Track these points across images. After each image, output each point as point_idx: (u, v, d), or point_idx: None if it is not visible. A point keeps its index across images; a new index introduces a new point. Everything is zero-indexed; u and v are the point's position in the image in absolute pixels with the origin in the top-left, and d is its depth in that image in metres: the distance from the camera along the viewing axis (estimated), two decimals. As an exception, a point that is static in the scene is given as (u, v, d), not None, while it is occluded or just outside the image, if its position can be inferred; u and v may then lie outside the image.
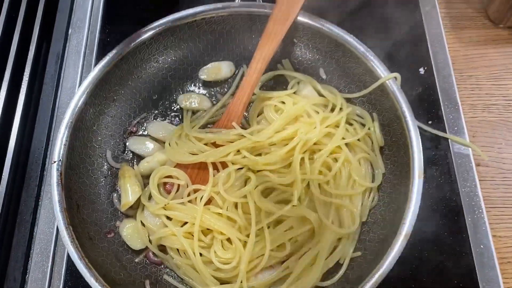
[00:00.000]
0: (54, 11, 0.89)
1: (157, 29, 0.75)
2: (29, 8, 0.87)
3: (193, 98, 0.79)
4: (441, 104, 0.80)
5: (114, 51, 0.73)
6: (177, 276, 0.68)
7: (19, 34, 0.85)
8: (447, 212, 0.71)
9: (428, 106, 0.79)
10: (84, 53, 0.85)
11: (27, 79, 0.81)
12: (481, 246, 0.69)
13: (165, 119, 0.79)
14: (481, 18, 0.89)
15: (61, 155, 0.66)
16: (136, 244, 0.69)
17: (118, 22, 0.88)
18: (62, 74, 0.83)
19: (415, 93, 0.80)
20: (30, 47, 0.84)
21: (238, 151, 0.70)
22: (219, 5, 0.76)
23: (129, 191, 0.70)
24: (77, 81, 0.83)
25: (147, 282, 0.66)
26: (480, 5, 0.90)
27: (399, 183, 0.68)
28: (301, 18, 0.75)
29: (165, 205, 0.69)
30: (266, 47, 0.73)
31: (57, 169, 0.65)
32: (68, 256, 0.70)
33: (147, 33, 0.75)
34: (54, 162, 0.65)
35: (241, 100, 0.72)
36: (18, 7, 0.86)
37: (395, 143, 0.71)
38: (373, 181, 0.71)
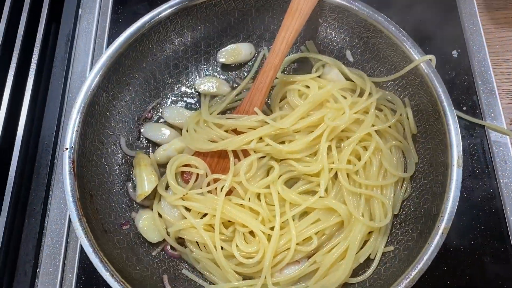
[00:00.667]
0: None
1: (173, 8, 0.70)
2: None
3: (211, 82, 0.75)
4: (476, 89, 0.75)
5: (127, 32, 0.68)
6: (197, 271, 0.65)
7: (27, 15, 0.82)
8: (485, 204, 0.67)
9: (462, 91, 0.75)
10: (95, 34, 0.81)
11: (35, 62, 0.78)
12: (524, 245, 0.65)
13: (181, 105, 0.75)
14: (517, -2, 0.84)
15: (73, 142, 0.62)
16: (153, 237, 0.65)
17: (130, 1, 0.83)
18: (72, 57, 0.79)
19: (448, 77, 0.76)
20: (39, 28, 0.81)
21: (261, 138, 0.66)
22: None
23: (145, 181, 0.66)
24: (88, 64, 0.79)
25: (165, 277, 0.63)
26: (516, -17, 0.85)
27: (434, 173, 0.64)
28: (328, -4, 0.70)
29: (184, 195, 0.65)
30: (291, 27, 0.68)
31: (69, 157, 0.61)
32: (82, 248, 0.67)
33: (163, 13, 0.70)
34: (66, 149, 0.62)
35: (263, 83, 0.68)
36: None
37: (429, 130, 0.66)
38: (405, 171, 0.68)
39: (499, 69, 0.79)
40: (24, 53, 0.79)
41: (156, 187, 0.67)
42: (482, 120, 0.73)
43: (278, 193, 0.65)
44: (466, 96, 0.74)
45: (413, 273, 0.55)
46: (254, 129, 0.66)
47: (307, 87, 0.71)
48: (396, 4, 0.79)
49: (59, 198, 0.70)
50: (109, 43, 0.79)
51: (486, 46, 0.78)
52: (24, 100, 0.75)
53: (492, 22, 0.83)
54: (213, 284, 0.63)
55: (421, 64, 0.66)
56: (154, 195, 0.67)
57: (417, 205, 0.65)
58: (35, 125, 0.75)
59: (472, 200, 0.68)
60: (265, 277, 0.61)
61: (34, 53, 0.78)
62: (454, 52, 0.77)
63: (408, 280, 0.55)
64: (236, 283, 0.61)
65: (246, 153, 0.67)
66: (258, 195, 0.65)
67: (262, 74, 0.69)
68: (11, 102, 0.75)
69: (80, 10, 0.83)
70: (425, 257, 0.56)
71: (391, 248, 0.63)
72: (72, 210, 0.59)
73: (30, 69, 0.77)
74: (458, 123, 0.63)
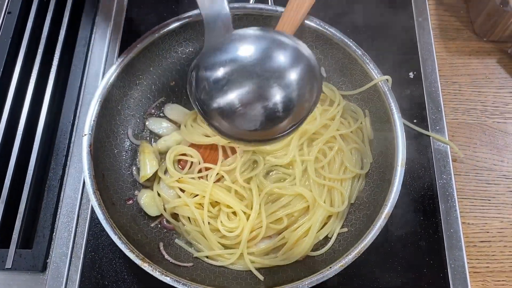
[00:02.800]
0: (83, 1, 0.97)
1: (179, 22, 0.83)
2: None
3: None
4: (426, 105, 0.89)
5: (140, 40, 0.81)
6: (187, 241, 0.78)
7: (50, 20, 0.94)
8: (424, 199, 0.81)
9: (414, 107, 0.89)
10: (109, 39, 0.94)
11: (56, 61, 0.90)
12: (451, 230, 0.80)
13: (180, 103, 0.88)
14: (467, 31, 0.99)
15: (90, 129, 0.75)
16: (152, 211, 0.78)
17: (140, 15, 0.97)
18: (89, 58, 0.92)
19: (403, 94, 0.89)
20: (60, 32, 0.93)
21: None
22: (236, 4, 0.85)
23: (148, 165, 0.80)
24: (102, 64, 0.91)
25: (161, 244, 0.76)
26: (467, 19, 1.00)
27: (384, 171, 0.77)
28: (307, 22, 0.84)
29: (179, 178, 0.78)
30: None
31: (88, 141, 0.74)
32: (91, 218, 0.80)
33: (170, 26, 0.83)
34: (85, 134, 0.74)
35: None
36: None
37: (383, 136, 0.80)
38: (362, 169, 0.81)
39: (447, 90, 0.94)
40: (46, 53, 0.91)
41: (156, 171, 0.80)
42: (429, 131, 0.87)
43: (257, 186, 0.78)
44: (417, 111, 0.89)
45: (360, 246, 0.68)
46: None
47: (287, 95, 0.85)
48: (365, 32, 0.95)
49: (73, 176, 0.82)
50: (121, 47, 0.93)
51: (438, 70, 0.93)
52: (46, 93, 0.87)
53: (445, 51, 0.98)
54: (200, 251, 0.77)
55: (380, 82, 0.80)
56: (154, 177, 0.80)
57: (368, 196, 0.79)
58: (55, 115, 0.87)
59: (415, 196, 0.82)
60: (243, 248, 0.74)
61: (55, 54, 0.90)
62: (411, 73, 0.92)
63: (355, 252, 0.68)
64: (219, 251, 0.75)
65: (233, 148, 0.81)
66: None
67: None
68: (35, 95, 0.87)
69: (97, 17, 0.96)
70: (370, 235, 0.69)
71: (346, 229, 0.77)
72: (88, 185, 0.71)
73: (52, 67, 0.90)
74: (404, 133, 0.77)
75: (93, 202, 0.70)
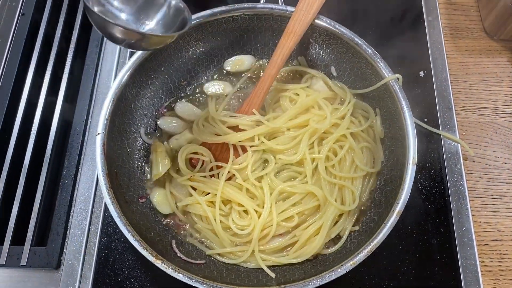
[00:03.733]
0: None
1: (191, 23, 0.85)
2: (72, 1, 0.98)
3: (218, 85, 0.89)
4: (437, 104, 0.90)
5: (152, 41, 0.82)
6: (199, 239, 0.79)
7: (63, 21, 0.95)
8: (436, 198, 0.82)
9: (425, 106, 0.89)
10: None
11: (70, 62, 0.92)
12: (463, 229, 0.80)
13: (191, 102, 0.89)
14: (477, 30, 0.99)
15: (104, 128, 0.76)
16: (165, 209, 0.79)
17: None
18: (101, 58, 0.93)
19: (414, 93, 0.89)
20: (73, 33, 0.94)
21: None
22: (246, 4, 0.86)
23: (160, 164, 0.81)
24: (114, 64, 0.93)
25: (173, 242, 0.76)
26: (477, 18, 1.00)
27: (395, 170, 0.78)
28: (318, 21, 0.84)
29: (191, 177, 0.79)
30: (286, 45, 0.82)
31: (101, 139, 0.75)
32: (104, 216, 0.81)
33: (181, 27, 0.84)
34: (98, 133, 0.75)
35: (261, 89, 0.82)
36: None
37: (394, 135, 0.80)
38: (373, 167, 0.81)
39: (458, 89, 0.94)
40: (59, 54, 0.92)
41: (168, 169, 0.81)
42: (440, 130, 0.88)
43: (269, 185, 0.79)
44: (428, 110, 0.89)
45: (371, 245, 0.69)
46: (253, 128, 0.81)
47: (297, 94, 0.86)
48: (376, 31, 0.95)
49: (87, 175, 0.83)
50: (133, 48, 0.94)
51: (448, 69, 0.93)
52: (59, 93, 0.89)
53: (455, 49, 0.98)
54: (212, 249, 0.77)
55: (390, 81, 0.80)
56: (166, 175, 0.82)
57: (380, 195, 0.79)
58: (68, 114, 0.88)
59: (426, 194, 0.82)
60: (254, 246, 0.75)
61: (68, 54, 0.92)
62: (421, 72, 0.92)
63: (367, 250, 0.69)
64: (230, 249, 0.76)
65: (243, 147, 0.82)
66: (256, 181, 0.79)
67: (261, 82, 0.83)
68: (49, 95, 0.89)
69: (109, 18, 0.98)
70: (382, 233, 0.69)
71: (357, 228, 0.77)
72: (102, 183, 0.72)
73: (65, 67, 0.91)
74: (415, 131, 0.77)
75: (107, 200, 0.71)
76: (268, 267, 0.74)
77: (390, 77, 0.80)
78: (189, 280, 0.66)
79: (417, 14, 0.98)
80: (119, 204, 0.72)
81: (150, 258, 0.68)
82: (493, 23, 0.96)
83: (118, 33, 0.64)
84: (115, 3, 0.70)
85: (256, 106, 0.82)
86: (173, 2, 0.72)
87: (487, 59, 0.97)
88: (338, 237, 0.77)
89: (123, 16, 0.72)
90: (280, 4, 0.88)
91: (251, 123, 0.81)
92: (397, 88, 0.79)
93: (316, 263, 0.75)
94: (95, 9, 0.67)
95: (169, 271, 0.67)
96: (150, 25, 0.73)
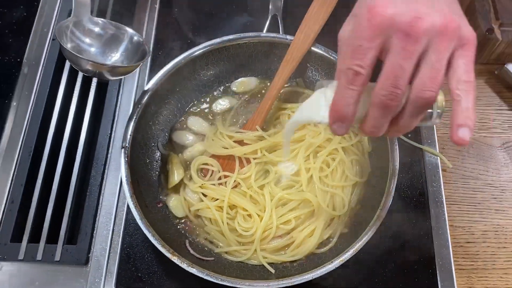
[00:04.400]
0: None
1: (202, 50, 0.96)
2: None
3: (224, 102, 1.01)
4: (419, 122, 1.01)
5: (169, 65, 0.93)
6: (208, 239, 0.90)
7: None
8: (416, 205, 0.92)
9: (409, 123, 1.00)
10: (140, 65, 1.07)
11: (95, 83, 1.04)
12: (440, 232, 0.90)
13: (202, 118, 1.00)
14: (458, 54, 1.10)
15: (128, 142, 0.87)
16: (179, 213, 0.90)
17: (167, 43, 1.10)
18: (123, 80, 1.05)
19: (399, 111, 1.01)
20: (98, 56, 1.07)
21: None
22: (251, 34, 0.98)
23: (175, 173, 0.92)
24: (134, 85, 1.04)
25: (187, 241, 0.87)
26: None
27: (380, 180, 0.88)
28: (314, 49, 0.96)
29: (202, 185, 0.91)
30: (286, 69, 0.94)
31: (125, 152, 0.86)
32: (126, 218, 0.92)
33: (194, 53, 0.95)
34: (123, 147, 0.87)
35: (263, 108, 0.94)
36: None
37: (379, 149, 0.90)
38: (361, 177, 0.92)
39: (439, 108, 1.05)
40: (86, 76, 1.04)
41: (182, 178, 0.93)
42: (421, 145, 0.98)
43: (269, 193, 0.90)
44: (411, 126, 1.00)
45: (357, 245, 0.79)
46: (257, 142, 0.92)
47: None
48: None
49: (111, 182, 0.94)
50: (151, 71, 1.06)
51: (430, 90, 1.04)
52: (86, 111, 0.99)
53: (438, 72, 1.09)
54: (220, 248, 0.89)
55: (377, 102, 0.92)
56: (180, 183, 0.93)
57: (367, 201, 0.89)
58: (94, 130, 0.99)
59: (408, 201, 0.93)
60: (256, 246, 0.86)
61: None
62: (406, 93, 1.04)
63: (353, 249, 0.79)
64: (236, 247, 0.87)
65: (247, 159, 0.93)
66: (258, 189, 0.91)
67: (263, 102, 0.95)
68: (77, 113, 0.99)
69: (129, 44, 1.10)
70: (366, 235, 0.79)
71: (346, 230, 0.88)
72: (126, 190, 0.83)
73: (91, 88, 1.02)
74: (399, 146, 0.86)
75: (130, 204, 0.82)
76: (269, 264, 0.85)
77: (376, 98, 0.91)
78: (201, 274, 0.77)
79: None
80: (140, 208, 0.83)
81: (168, 254, 0.79)
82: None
83: (88, 66, 0.77)
84: (86, 40, 0.84)
85: (259, 123, 0.94)
86: (134, 38, 0.86)
87: (466, 80, 1.08)
88: (329, 238, 0.88)
89: (92, 50, 0.85)
90: (281, 33, 1.00)
91: (254, 138, 0.93)
92: (382, 108, 0.90)
93: (309, 261, 0.86)
94: (68, 46, 0.80)
95: (184, 266, 0.78)
96: (115, 57, 0.86)
